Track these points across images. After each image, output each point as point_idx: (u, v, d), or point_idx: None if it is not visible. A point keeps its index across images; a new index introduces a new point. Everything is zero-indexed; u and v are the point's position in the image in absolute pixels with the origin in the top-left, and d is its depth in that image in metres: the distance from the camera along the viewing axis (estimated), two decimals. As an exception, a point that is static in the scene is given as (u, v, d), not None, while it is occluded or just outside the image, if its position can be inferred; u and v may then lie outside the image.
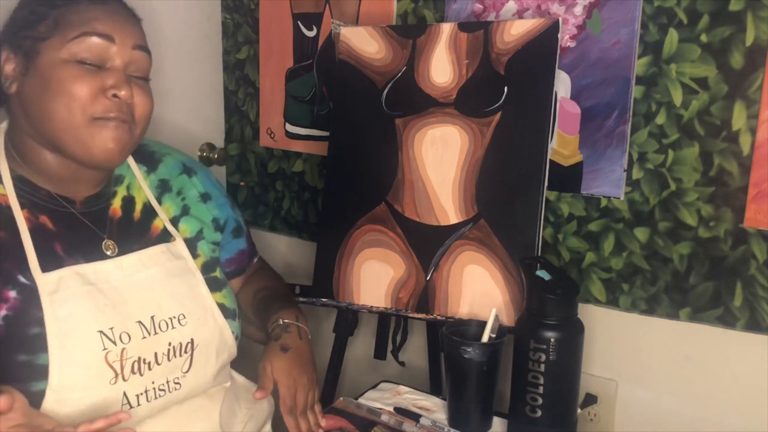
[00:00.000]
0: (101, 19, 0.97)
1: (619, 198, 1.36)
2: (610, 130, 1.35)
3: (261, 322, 1.17)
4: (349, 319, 1.49)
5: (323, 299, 1.42)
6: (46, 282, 0.94)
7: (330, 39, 1.68)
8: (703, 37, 1.25)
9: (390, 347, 1.56)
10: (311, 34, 1.72)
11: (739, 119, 1.23)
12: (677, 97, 1.28)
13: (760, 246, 1.24)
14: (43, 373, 0.91)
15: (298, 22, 1.74)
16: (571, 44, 1.37)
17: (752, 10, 1.20)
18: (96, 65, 0.96)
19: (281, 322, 1.13)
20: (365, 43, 1.46)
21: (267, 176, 1.88)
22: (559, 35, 1.29)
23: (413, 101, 1.40)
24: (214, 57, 1.90)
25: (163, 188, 1.13)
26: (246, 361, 1.18)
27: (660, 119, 1.30)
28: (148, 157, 1.15)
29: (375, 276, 1.38)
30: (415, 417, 1.19)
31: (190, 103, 1.84)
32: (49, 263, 0.95)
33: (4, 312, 0.91)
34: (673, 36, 1.27)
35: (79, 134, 0.95)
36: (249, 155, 1.90)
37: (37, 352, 0.91)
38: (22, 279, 0.93)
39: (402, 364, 1.59)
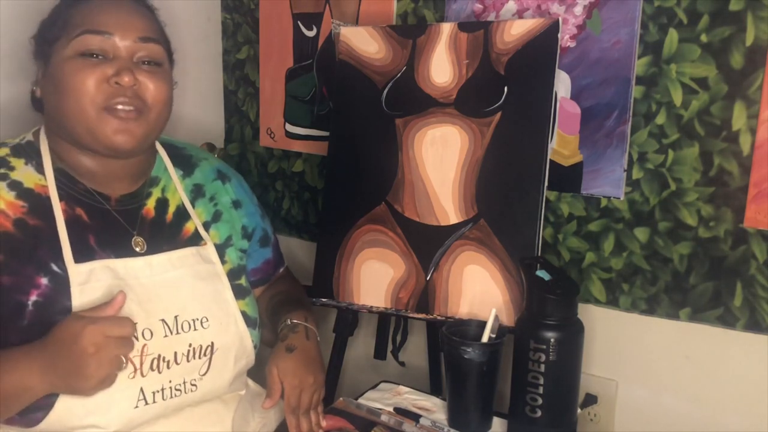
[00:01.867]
0: (102, 15, 0.99)
1: (619, 198, 1.36)
2: (610, 130, 1.35)
3: (273, 324, 1.19)
4: (349, 319, 1.49)
5: (323, 299, 1.42)
6: (78, 273, 0.96)
7: (330, 39, 1.68)
8: (703, 37, 1.24)
9: (390, 347, 1.56)
10: (311, 34, 1.72)
11: (739, 119, 1.23)
12: (677, 97, 1.28)
13: (760, 246, 1.24)
14: None
15: (298, 22, 1.74)
16: (571, 44, 1.37)
17: (752, 10, 1.20)
18: (101, 56, 0.98)
19: (289, 323, 1.13)
20: (365, 43, 1.46)
21: (267, 176, 1.88)
22: (559, 35, 1.29)
23: (413, 101, 1.40)
24: (214, 57, 1.90)
25: (196, 193, 1.15)
26: (259, 368, 1.17)
27: (660, 119, 1.30)
28: (185, 161, 1.17)
29: (375, 276, 1.38)
30: (415, 417, 1.19)
31: (189, 103, 1.84)
32: (82, 254, 0.98)
33: (34, 297, 0.94)
34: (673, 36, 1.27)
35: (90, 125, 0.97)
36: (249, 155, 1.90)
37: None
38: (54, 267, 0.96)
39: (402, 364, 1.59)
